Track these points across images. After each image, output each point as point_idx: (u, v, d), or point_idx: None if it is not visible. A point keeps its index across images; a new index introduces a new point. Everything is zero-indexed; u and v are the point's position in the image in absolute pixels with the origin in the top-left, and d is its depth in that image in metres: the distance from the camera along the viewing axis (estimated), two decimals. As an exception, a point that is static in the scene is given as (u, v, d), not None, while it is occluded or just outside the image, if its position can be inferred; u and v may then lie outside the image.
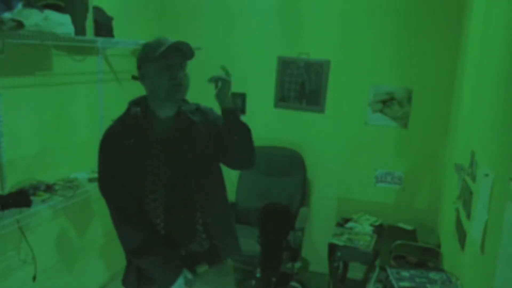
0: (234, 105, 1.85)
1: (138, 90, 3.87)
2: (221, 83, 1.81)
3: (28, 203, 2.35)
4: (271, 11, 3.68)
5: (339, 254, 3.07)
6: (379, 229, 3.34)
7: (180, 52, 1.80)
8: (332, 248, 3.09)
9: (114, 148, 1.76)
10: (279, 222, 3.21)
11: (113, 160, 1.74)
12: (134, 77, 1.80)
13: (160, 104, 1.80)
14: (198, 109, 1.92)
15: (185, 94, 1.83)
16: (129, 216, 1.76)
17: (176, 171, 1.76)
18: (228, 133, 1.81)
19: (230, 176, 3.23)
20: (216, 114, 1.93)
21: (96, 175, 2.94)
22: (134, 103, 1.89)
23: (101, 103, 3.18)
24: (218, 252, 1.84)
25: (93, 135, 3.18)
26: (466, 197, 2.11)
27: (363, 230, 3.29)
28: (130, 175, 1.72)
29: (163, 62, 1.75)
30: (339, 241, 3.10)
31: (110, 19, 3.05)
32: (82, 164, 3.07)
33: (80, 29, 2.64)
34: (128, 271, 1.87)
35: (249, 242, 3.15)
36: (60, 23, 2.36)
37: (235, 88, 3.97)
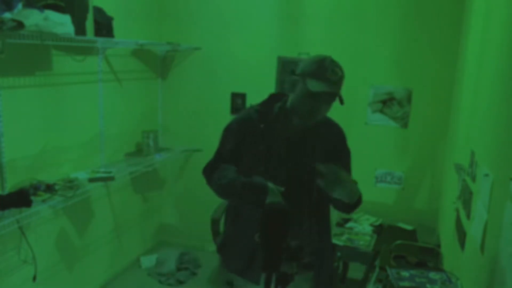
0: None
1: (138, 90, 3.90)
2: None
3: (28, 203, 2.35)
4: (271, 11, 3.68)
5: (339, 254, 3.07)
6: (379, 229, 3.34)
7: (333, 92, 1.79)
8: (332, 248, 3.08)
9: (245, 131, 1.83)
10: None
11: (240, 141, 1.82)
12: (292, 72, 1.85)
13: (297, 114, 1.81)
14: (326, 122, 1.95)
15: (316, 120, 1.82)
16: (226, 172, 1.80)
17: (290, 173, 1.80)
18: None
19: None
20: (339, 135, 2.01)
21: (96, 175, 2.96)
22: (276, 98, 1.94)
23: (101, 103, 3.18)
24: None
25: (93, 135, 3.19)
26: (466, 197, 2.11)
27: (363, 230, 3.29)
28: (248, 160, 1.79)
29: (316, 94, 1.73)
30: (339, 241, 3.10)
31: (110, 19, 3.05)
32: (82, 164, 3.07)
33: (80, 29, 2.64)
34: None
35: (249, 242, 3.15)
36: (60, 23, 2.36)
37: (235, 88, 3.99)
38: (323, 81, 1.73)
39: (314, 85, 1.70)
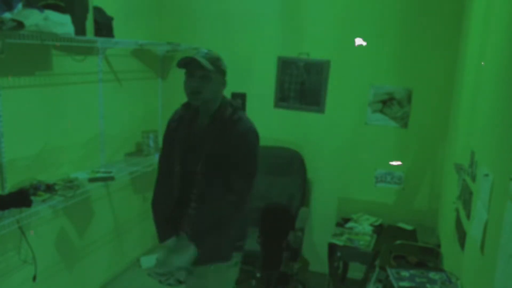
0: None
1: (138, 90, 3.90)
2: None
3: (28, 203, 2.35)
4: (271, 11, 3.68)
5: (339, 254, 3.07)
6: (379, 229, 3.34)
7: (194, 65, 1.99)
8: (332, 248, 3.09)
9: (168, 126, 2.25)
10: (279, 222, 3.21)
11: (165, 134, 2.26)
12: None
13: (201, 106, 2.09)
14: (232, 121, 2.06)
15: (206, 101, 2.04)
16: (160, 175, 2.27)
17: (192, 160, 2.08)
18: None
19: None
20: (243, 145, 2.05)
21: (96, 175, 2.97)
22: None
23: (101, 103, 3.19)
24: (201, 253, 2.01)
25: (93, 135, 3.19)
26: (466, 197, 2.11)
27: (363, 230, 3.29)
28: (169, 148, 2.19)
29: (185, 73, 2.03)
30: (339, 241, 3.10)
31: (110, 19, 3.05)
32: (82, 164, 3.07)
33: (80, 29, 2.64)
34: None
35: (249, 242, 3.15)
36: (60, 23, 2.36)
37: (235, 88, 4.00)
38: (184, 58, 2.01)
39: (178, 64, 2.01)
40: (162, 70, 3.96)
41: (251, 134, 2.06)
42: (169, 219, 2.18)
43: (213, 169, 2.05)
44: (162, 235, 2.19)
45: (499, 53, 1.81)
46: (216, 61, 2.02)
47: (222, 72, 2.06)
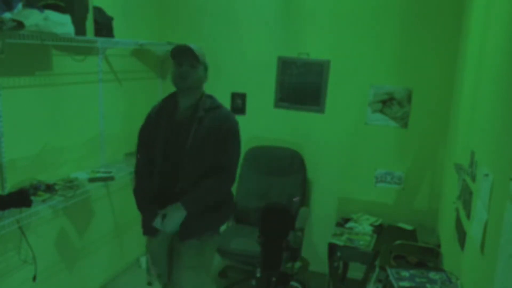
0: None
1: (138, 90, 3.90)
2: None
3: (28, 203, 2.35)
4: (271, 11, 3.68)
5: (339, 254, 3.07)
6: (379, 229, 3.34)
7: (188, 53, 2.27)
8: (332, 248, 3.09)
9: (147, 117, 2.45)
10: (279, 222, 3.20)
11: (142, 130, 2.45)
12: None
13: (181, 95, 2.35)
14: (213, 108, 2.35)
15: (191, 87, 2.31)
16: (140, 166, 2.45)
17: (173, 149, 2.29)
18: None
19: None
20: (225, 120, 2.34)
21: (96, 175, 2.97)
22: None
23: (101, 103, 3.19)
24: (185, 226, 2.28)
25: (93, 135, 3.19)
26: (466, 197, 2.11)
27: (363, 230, 3.29)
28: (149, 138, 2.37)
29: (175, 61, 2.31)
30: (339, 241, 3.10)
31: (110, 19, 3.05)
32: (82, 164, 3.07)
33: (80, 29, 2.64)
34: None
35: (249, 242, 3.15)
36: (60, 23, 2.36)
37: (235, 88, 4.00)
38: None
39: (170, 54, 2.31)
40: (162, 70, 3.96)
41: (232, 116, 2.39)
42: (152, 207, 2.35)
43: (199, 152, 2.26)
44: (148, 225, 2.38)
45: (499, 53, 1.81)
46: (202, 56, 2.34)
47: (206, 67, 2.38)
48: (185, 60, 2.26)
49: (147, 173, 2.36)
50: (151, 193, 2.35)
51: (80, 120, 3.04)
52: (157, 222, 2.29)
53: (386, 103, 3.51)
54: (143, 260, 3.79)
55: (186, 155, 2.26)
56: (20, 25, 2.13)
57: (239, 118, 2.51)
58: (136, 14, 3.59)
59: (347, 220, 3.46)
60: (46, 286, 2.85)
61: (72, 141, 2.98)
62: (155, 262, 2.51)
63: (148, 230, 2.41)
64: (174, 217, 2.23)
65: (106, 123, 3.26)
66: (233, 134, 2.34)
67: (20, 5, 2.23)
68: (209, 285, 2.44)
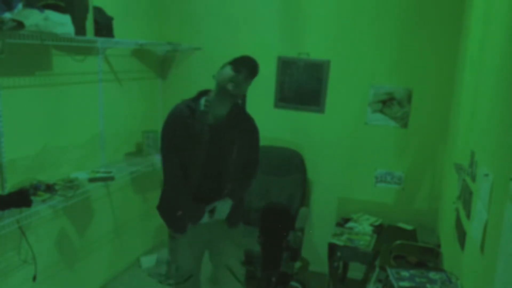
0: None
1: (138, 90, 3.90)
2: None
3: (28, 203, 2.35)
4: (272, 11, 3.68)
5: (339, 254, 3.07)
6: (379, 229, 3.34)
7: (248, 65, 2.34)
8: (332, 248, 3.09)
9: (177, 118, 2.36)
10: (279, 222, 3.21)
11: (174, 134, 2.35)
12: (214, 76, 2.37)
13: (219, 101, 2.34)
14: (243, 113, 2.50)
15: (241, 95, 2.38)
16: (174, 169, 2.38)
17: (214, 154, 2.36)
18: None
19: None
20: (254, 126, 2.53)
21: (96, 175, 2.96)
22: (201, 94, 2.41)
23: (101, 103, 3.19)
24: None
25: (93, 135, 3.19)
26: (466, 197, 2.11)
27: (363, 230, 3.29)
28: (183, 148, 2.34)
29: (232, 66, 2.31)
30: (339, 241, 3.10)
31: (110, 19, 3.05)
32: (82, 164, 3.07)
33: (80, 29, 2.64)
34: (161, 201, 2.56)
35: (249, 242, 3.15)
36: (60, 23, 2.36)
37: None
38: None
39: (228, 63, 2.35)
40: (162, 70, 3.96)
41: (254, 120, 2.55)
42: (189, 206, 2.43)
43: (241, 155, 2.42)
44: (181, 223, 2.46)
45: (499, 53, 1.81)
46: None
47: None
48: (244, 69, 2.29)
49: (182, 175, 2.38)
50: (191, 193, 2.41)
51: (80, 120, 3.04)
52: (205, 217, 2.44)
53: (386, 103, 3.51)
54: (143, 260, 3.80)
55: (231, 161, 2.40)
56: (20, 25, 2.13)
57: (239, 118, 2.52)
58: (136, 14, 3.59)
59: (347, 220, 3.46)
60: (46, 286, 2.85)
61: (72, 141, 2.98)
62: (182, 259, 2.57)
63: (182, 227, 2.48)
64: (225, 209, 2.46)
65: (106, 123, 3.26)
66: (258, 133, 2.56)
67: (20, 5, 2.22)
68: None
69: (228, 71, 2.26)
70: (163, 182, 2.48)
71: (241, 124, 2.44)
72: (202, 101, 2.36)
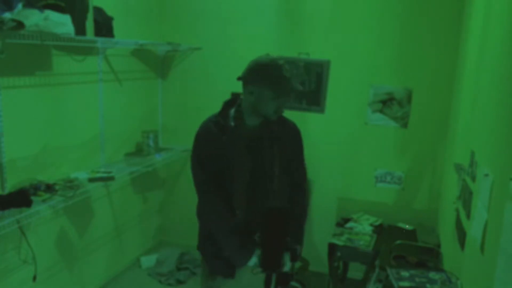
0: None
1: (138, 90, 3.88)
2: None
3: (28, 203, 2.35)
4: (271, 11, 3.68)
5: (339, 254, 3.07)
6: (379, 229, 3.34)
7: (286, 91, 1.99)
8: (332, 248, 3.09)
9: (208, 142, 2.02)
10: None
11: (206, 152, 2.01)
12: (239, 78, 2.11)
13: (253, 113, 2.02)
14: (282, 120, 2.14)
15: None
16: (214, 204, 2.03)
17: (257, 168, 2.02)
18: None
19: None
20: (295, 131, 2.22)
21: (96, 175, 2.96)
22: (228, 105, 2.10)
23: (101, 103, 3.19)
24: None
25: (93, 135, 3.19)
26: (466, 197, 2.11)
27: (363, 230, 3.29)
28: (221, 174, 1.98)
29: (277, 96, 1.95)
30: (339, 241, 3.10)
31: (110, 19, 3.05)
32: (82, 164, 3.07)
33: (80, 29, 2.64)
34: (201, 240, 2.20)
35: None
36: (60, 23, 2.36)
37: (235, 88, 3.98)
38: (278, 77, 1.99)
39: (272, 86, 1.98)
40: (162, 70, 3.96)
41: (295, 124, 2.26)
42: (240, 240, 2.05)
43: (285, 170, 2.10)
44: (241, 259, 2.09)
45: (499, 53, 1.81)
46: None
47: None
48: (284, 94, 1.99)
49: (223, 207, 2.02)
50: (237, 228, 2.04)
51: (80, 120, 3.04)
52: (253, 261, 2.10)
53: (386, 103, 3.51)
54: (143, 260, 3.80)
55: (275, 177, 2.06)
56: (20, 25, 2.13)
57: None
58: (136, 14, 3.59)
59: (347, 220, 3.46)
60: (46, 286, 2.85)
61: (72, 141, 2.98)
62: None
63: (232, 272, 2.12)
64: (286, 260, 2.23)
65: (106, 123, 3.26)
66: (302, 143, 2.27)
67: (20, 5, 2.23)
68: None
69: (270, 103, 1.95)
70: (198, 215, 2.17)
71: (278, 127, 2.11)
72: (231, 113, 2.04)
